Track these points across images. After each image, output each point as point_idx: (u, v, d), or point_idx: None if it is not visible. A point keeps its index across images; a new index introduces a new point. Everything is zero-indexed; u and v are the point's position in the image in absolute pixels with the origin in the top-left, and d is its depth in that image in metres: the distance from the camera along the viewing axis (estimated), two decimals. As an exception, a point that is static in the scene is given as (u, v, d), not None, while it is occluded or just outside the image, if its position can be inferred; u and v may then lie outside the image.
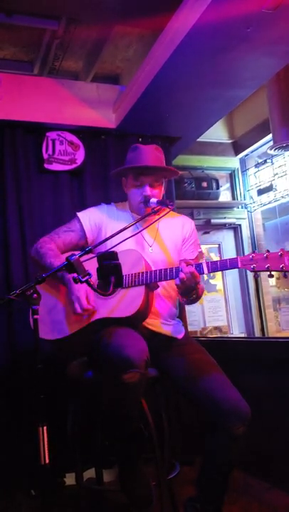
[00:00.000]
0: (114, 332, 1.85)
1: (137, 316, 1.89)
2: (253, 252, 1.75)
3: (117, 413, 1.84)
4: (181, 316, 2.99)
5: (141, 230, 2.02)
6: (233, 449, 1.82)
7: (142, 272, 1.91)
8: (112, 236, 1.85)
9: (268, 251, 1.70)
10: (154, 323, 2.05)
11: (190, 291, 1.88)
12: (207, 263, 1.79)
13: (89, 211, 2.22)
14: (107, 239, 1.86)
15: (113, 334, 1.84)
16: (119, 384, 1.70)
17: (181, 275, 1.78)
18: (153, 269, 1.94)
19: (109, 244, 1.87)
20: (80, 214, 2.20)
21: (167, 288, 2.10)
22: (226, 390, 1.84)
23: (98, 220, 2.16)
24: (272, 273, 1.68)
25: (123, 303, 1.92)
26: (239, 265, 1.73)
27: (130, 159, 2.14)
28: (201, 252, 1.83)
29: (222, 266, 1.78)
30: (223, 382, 1.87)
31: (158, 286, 1.99)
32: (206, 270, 1.79)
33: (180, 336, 2.12)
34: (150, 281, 1.89)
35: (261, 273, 1.74)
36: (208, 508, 1.88)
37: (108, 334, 1.85)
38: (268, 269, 1.68)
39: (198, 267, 1.79)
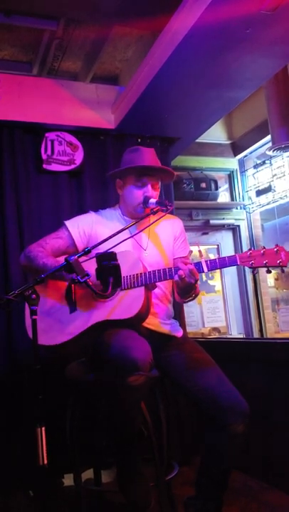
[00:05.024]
0: (117, 334, 1.84)
1: (138, 318, 1.89)
2: (251, 248, 1.76)
3: (119, 414, 1.84)
4: (180, 316, 2.99)
5: (137, 233, 2.02)
6: (233, 447, 1.82)
7: (142, 273, 1.91)
8: (108, 238, 1.84)
9: (264, 247, 1.72)
10: (153, 323, 2.04)
11: (189, 290, 1.89)
12: (206, 261, 1.79)
13: (77, 219, 2.20)
14: (104, 240, 1.85)
15: (116, 336, 1.83)
16: (124, 386, 1.70)
17: (180, 272, 1.78)
18: (149, 270, 1.94)
19: (101, 247, 1.85)
20: (67, 222, 2.17)
21: (163, 289, 2.11)
22: (225, 387, 1.85)
23: (87, 227, 2.14)
24: (271, 271, 1.70)
25: (123, 304, 1.91)
26: (238, 262, 1.75)
27: (130, 160, 2.12)
28: (190, 251, 1.84)
29: (221, 263, 1.78)
30: (221, 380, 1.88)
31: (156, 287, 2.00)
32: (205, 268, 1.79)
33: (179, 335, 2.13)
34: (150, 282, 1.89)
35: (260, 274, 1.76)
36: (208, 506, 1.87)
37: (111, 336, 1.84)
38: (265, 265, 1.71)
39: (198, 266, 1.80)
